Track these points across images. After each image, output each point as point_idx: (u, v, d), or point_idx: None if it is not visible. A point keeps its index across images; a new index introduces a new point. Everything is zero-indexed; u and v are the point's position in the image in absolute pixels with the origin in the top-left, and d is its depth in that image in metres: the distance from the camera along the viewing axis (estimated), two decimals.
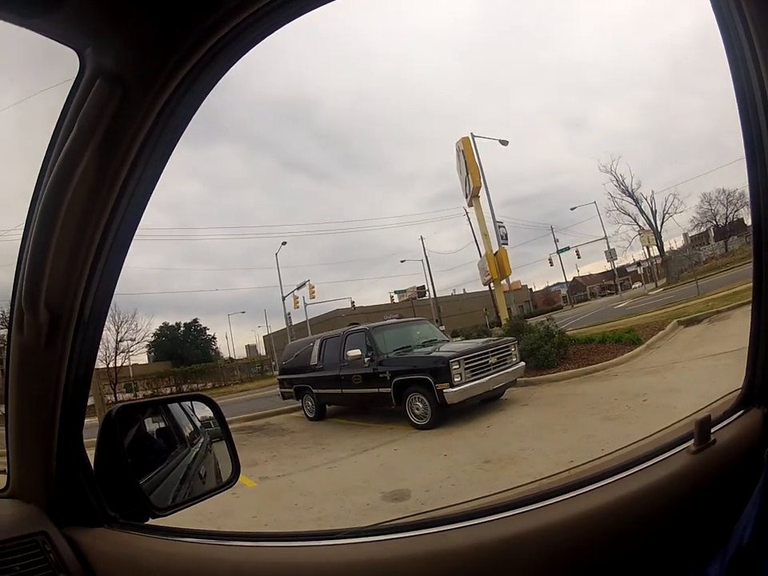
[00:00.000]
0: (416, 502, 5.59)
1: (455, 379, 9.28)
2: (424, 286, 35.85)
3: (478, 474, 6.16)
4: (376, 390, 10.59)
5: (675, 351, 10.99)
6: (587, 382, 10.44)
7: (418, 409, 9.62)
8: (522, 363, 11.06)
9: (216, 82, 0.95)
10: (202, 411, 1.86)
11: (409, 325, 13.28)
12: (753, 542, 0.83)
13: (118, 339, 27.63)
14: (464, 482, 5.93)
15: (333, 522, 5.27)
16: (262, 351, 39.12)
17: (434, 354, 10.54)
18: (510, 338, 11.57)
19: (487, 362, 10.00)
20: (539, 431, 7.58)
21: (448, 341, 12.83)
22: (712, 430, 1.14)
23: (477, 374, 9.67)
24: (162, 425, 1.77)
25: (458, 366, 9.41)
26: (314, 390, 12.54)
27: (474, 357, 9.86)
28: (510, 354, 10.77)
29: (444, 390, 9.18)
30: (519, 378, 11.02)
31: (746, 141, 1.04)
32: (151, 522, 1.34)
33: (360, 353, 11.12)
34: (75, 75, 0.89)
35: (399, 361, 10.67)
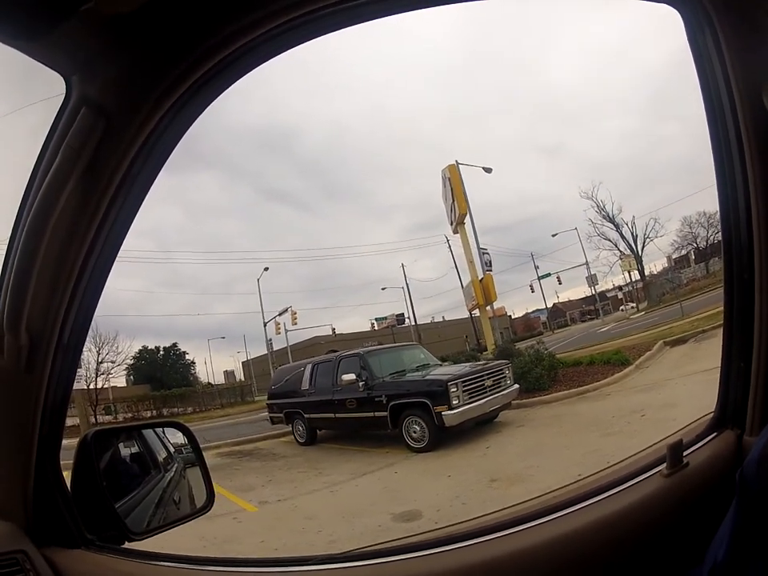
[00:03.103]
0: (429, 521, 5.58)
1: (453, 401, 9.30)
2: (403, 313, 35.85)
3: (488, 493, 6.17)
4: (372, 413, 10.50)
5: (665, 370, 11.21)
6: (581, 403, 10.54)
7: (415, 432, 9.57)
8: (516, 386, 11.12)
9: (198, 116, 0.97)
10: (175, 437, 1.88)
11: (402, 349, 13.31)
12: (727, 560, 0.86)
13: (99, 361, 27.00)
14: (474, 501, 5.95)
15: (347, 545, 5.20)
16: (241, 377, 38.50)
17: (430, 377, 10.56)
18: (504, 361, 11.66)
19: (483, 384, 10.06)
20: (541, 450, 7.64)
21: (440, 365, 12.82)
22: (685, 453, 1.19)
23: (474, 397, 9.71)
24: (137, 450, 1.78)
25: (456, 389, 9.44)
26: (305, 415, 12.34)
27: (471, 379, 9.92)
28: (505, 376, 10.85)
29: (443, 413, 9.19)
30: (512, 401, 11.05)
31: (717, 163, 1.12)
32: (129, 545, 1.35)
33: (354, 377, 11.06)
34: (59, 96, 0.89)
35: (395, 384, 10.67)
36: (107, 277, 1.13)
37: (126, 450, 1.71)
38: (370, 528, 5.70)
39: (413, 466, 8.51)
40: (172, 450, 1.91)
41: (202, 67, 0.86)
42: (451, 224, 23.07)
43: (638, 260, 31.27)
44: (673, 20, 1.06)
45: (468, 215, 22.36)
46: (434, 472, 7.76)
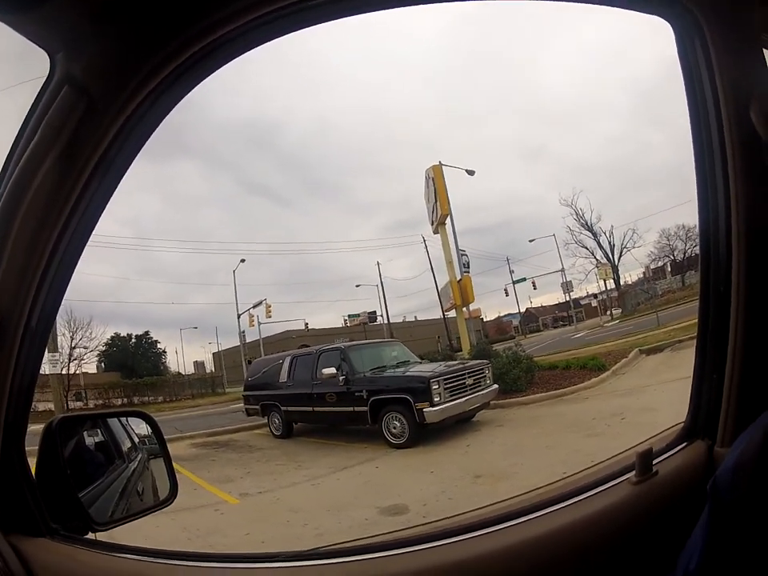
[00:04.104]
0: (416, 515, 5.59)
1: (435, 399, 9.35)
2: (375, 311, 35.91)
3: (473, 488, 6.22)
4: (351, 408, 10.49)
5: (643, 376, 11.45)
6: (559, 405, 10.70)
7: (395, 428, 9.58)
8: (496, 386, 11.23)
9: (180, 100, 0.97)
10: (140, 428, 1.85)
11: (383, 345, 13.35)
12: (700, 569, 0.88)
13: (72, 346, 26.37)
14: (460, 496, 6.00)
15: (336, 537, 5.15)
16: (211, 368, 38.15)
17: (412, 373, 10.59)
18: (484, 361, 11.74)
19: (464, 383, 10.15)
20: (523, 449, 7.74)
21: (420, 362, 12.86)
22: (655, 461, 1.21)
23: (455, 395, 9.79)
24: (101, 438, 1.75)
25: (437, 386, 9.50)
26: (282, 408, 12.24)
27: (453, 378, 10.00)
28: (485, 376, 10.97)
29: (424, 410, 9.23)
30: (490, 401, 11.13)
31: (699, 175, 1.14)
32: (95, 536, 1.33)
33: (335, 371, 11.03)
34: (44, 75, 0.88)
35: (376, 380, 10.66)
36: (78, 261, 1.10)
37: (90, 439, 1.67)
38: (357, 521, 5.69)
39: (393, 462, 8.52)
40: (136, 440, 1.87)
41: (188, 51, 0.86)
42: (432, 224, 23.15)
43: (614, 269, 31.85)
44: (663, 31, 1.09)
45: (449, 216, 22.50)
46: (416, 468, 7.79)
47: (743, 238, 1.06)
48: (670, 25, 1.06)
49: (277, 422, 12.42)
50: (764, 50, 1.02)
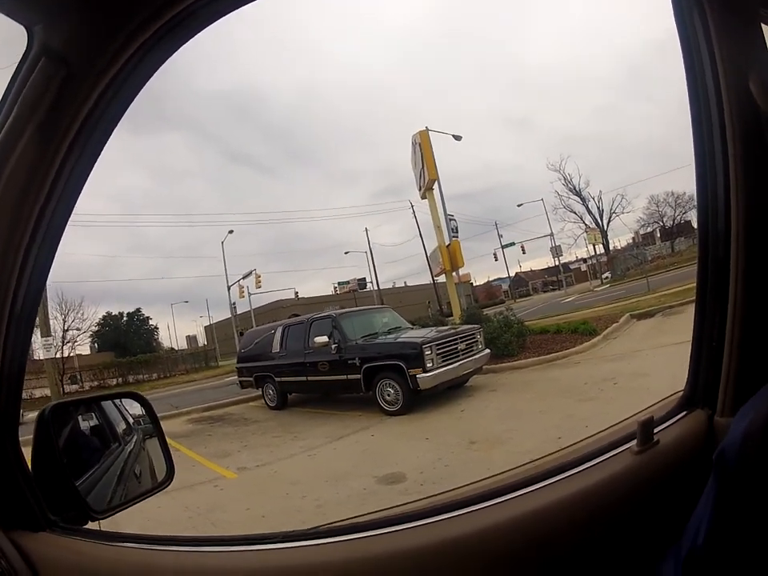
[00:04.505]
0: (414, 483, 5.62)
1: (428, 364, 9.36)
2: (365, 278, 36.00)
3: (469, 454, 6.26)
4: (344, 376, 10.51)
5: (634, 341, 11.53)
6: (551, 369, 10.79)
7: (389, 395, 9.62)
8: (488, 351, 11.26)
9: (159, 66, 0.94)
10: (134, 408, 1.82)
11: (374, 312, 13.33)
12: (709, 543, 0.85)
13: (65, 329, 26.27)
14: (456, 463, 6.02)
15: (335, 508, 5.20)
16: (203, 341, 38.36)
17: (404, 339, 10.58)
18: (475, 326, 11.74)
19: (457, 348, 10.17)
20: (517, 414, 7.79)
21: (411, 328, 12.88)
22: (656, 431, 1.18)
23: (448, 360, 9.80)
24: (95, 422, 1.71)
25: (430, 352, 9.50)
26: (276, 379, 12.27)
27: (445, 343, 10.00)
28: (477, 341, 10.98)
29: (417, 376, 9.25)
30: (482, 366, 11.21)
31: (697, 145, 1.11)
32: (93, 525, 1.30)
33: (327, 339, 11.01)
34: (21, 50, 0.86)
35: (369, 347, 10.66)
36: (61, 236, 1.06)
37: (85, 423, 1.63)
38: (356, 491, 5.70)
39: (389, 429, 8.56)
40: (131, 420, 1.84)
41: (168, 13, 0.84)
42: (419, 189, 23.02)
43: (603, 234, 32.04)
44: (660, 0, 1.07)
45: (437, 181, 22.36)
46: (412, 435, 7.82)
47: (742, 204, 1.04)
48: None
49: (271, 393, 12.47)
50: (763, 24, 1.00)
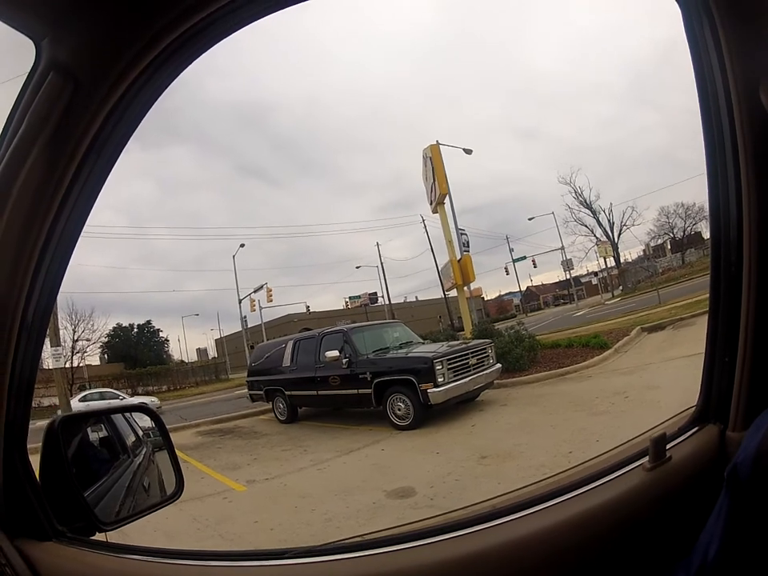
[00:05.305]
0: (424, 498, 5.59)
1: (439, 379, 9.33)
2: (376, 292, 35.95)
3: (480, 469, 6.22)
4: (355, 390, 10.49)
5: (646, 354, 11.44)
6: (562, 383, 10.71)
7: (399, 409, 9.60)
8: (499, 365, 11.21)
9: (169, 83, 0.94)
10: (143, 421, 1.86)
11: (386, 326, 13.31)
12: (720, 558, 0.85)
13: (75, 339, 26.52)
14: (467, 477, 5.99)
15: (343, 523, 5.19)
16: (213, 354, 38.40)
17: (415, 354, 10.57)
18: (487, 341, 11.70)
19: (468, 362, 10.13)
20: (528, 428, 7.73)
21: (423, 343, 12.87)
22: (668, 447, 1.18)
23: (459, 375, 9.77)
24: (105, 434, 1.74)
25: (441, 367, 9.48)
26: (286, 392, 12.25)
27: (456, 358, 9.97)
28: (488, 355, 10.95)
29: (428, 390, 9.22)
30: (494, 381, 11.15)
31: (708, 155, 1.11)
32: (101, 536, 1.31)
33: (338, 354, 11.02)
34: (30, 64, 0.87)
35: (380, 361, 10.64)
36: (72, 251, 1.08)
37: (94, 435, 1.67)
38: (366, 505, 5.68)
39: (399, 443, 8.52)
40: (140, 433, 1.88)
41: (177, 29, 0.84)
42: (431, 204, 23.08)
43: (614, 247, 31.83)
44: (668, 9, 1.06)
45: (448, 195, 22.42)
46: (422, 449, 7.79)
47: (755, 218, 1.03)
48: (677, 2, 1.03)
49: (281, 406, 12.45)
50: None
